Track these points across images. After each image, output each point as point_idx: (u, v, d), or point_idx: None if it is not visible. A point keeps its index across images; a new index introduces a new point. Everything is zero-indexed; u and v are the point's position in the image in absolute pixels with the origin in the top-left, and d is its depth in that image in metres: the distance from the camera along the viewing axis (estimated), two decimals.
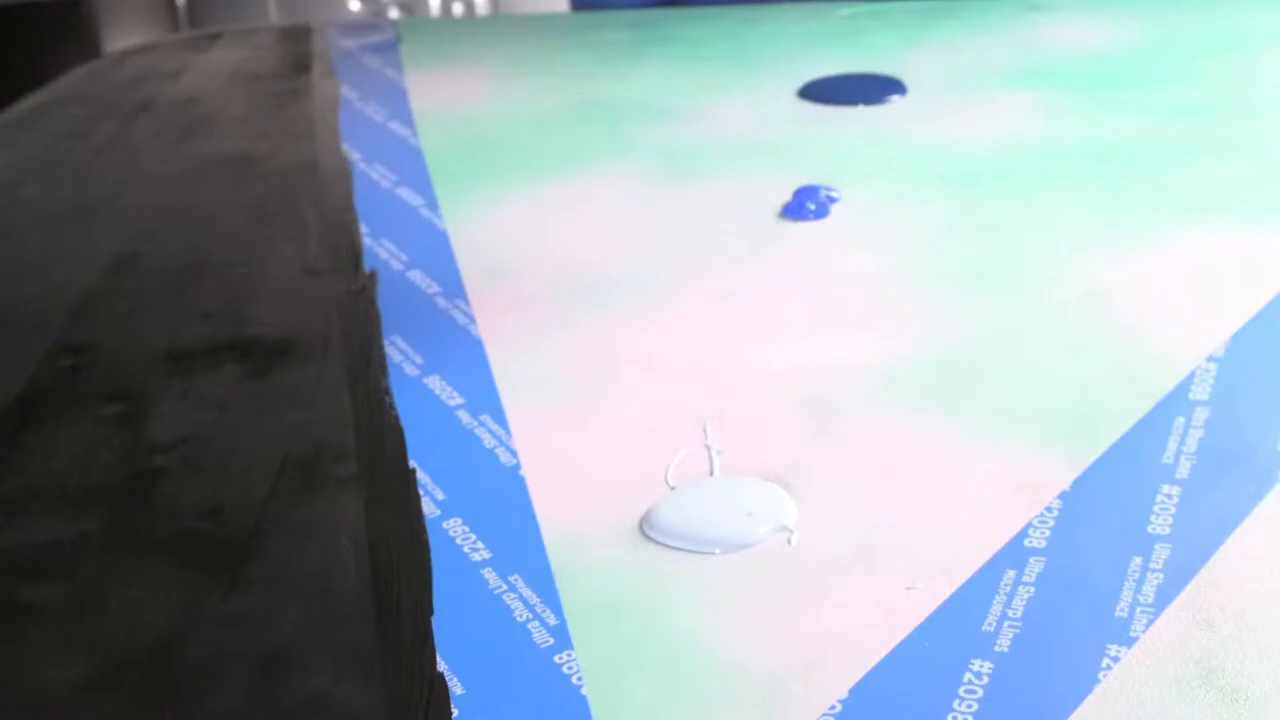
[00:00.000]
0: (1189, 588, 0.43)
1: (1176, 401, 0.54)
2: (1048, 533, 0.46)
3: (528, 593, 0.45)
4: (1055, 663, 0.40)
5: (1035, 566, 0.44)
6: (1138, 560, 0.44)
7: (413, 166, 0.87)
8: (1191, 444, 0.51)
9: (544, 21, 1.40)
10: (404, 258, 0.72)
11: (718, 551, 0.46)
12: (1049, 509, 0.47)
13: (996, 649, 0.40)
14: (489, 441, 0.54)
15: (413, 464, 0.52)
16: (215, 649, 0.42)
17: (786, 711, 0.39)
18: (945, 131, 0.88)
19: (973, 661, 0.40)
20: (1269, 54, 0.99)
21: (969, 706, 0.38)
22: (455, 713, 0.39)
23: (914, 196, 0.78)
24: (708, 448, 0.53)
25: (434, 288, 0.69)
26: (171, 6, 2.14)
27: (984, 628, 0.41)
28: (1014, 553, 0.45)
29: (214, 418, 0.57)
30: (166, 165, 0.92)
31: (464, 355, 0.62)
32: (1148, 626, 0.41)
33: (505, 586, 0.45)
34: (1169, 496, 0.48)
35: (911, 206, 0.77)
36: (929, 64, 1.01)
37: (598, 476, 0.52)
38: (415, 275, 0.70)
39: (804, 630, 0.42)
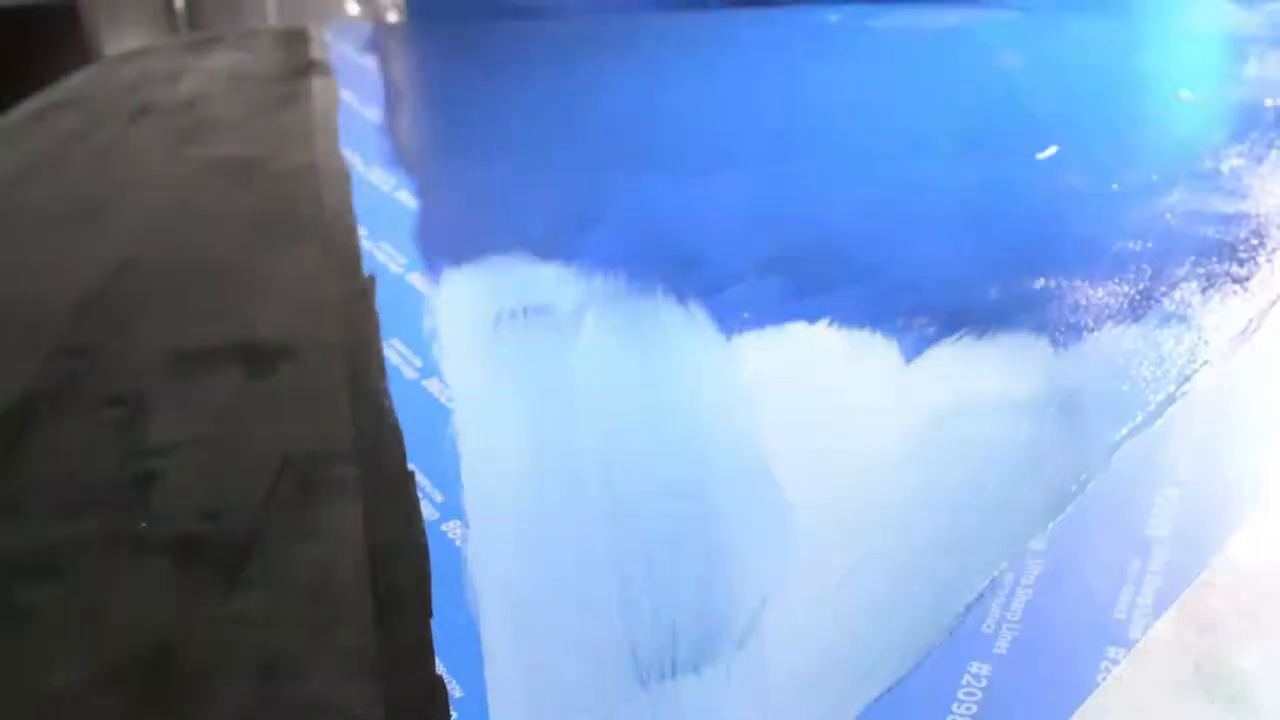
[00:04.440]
0: (1188, 591, 0.43)
1: (1177, 400, 0.54)
2: (1047, 534, 0.46)
3: None
4: (1054, 665, 0.40)
5: (1034, 568, 0.44)
6: (1136, 563, 0.44)
7: None
8: (1193, 443, 0.51)
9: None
10: (402, 260, 0.72)
11: None
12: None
13: (995, 651, 0.41)
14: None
15: (411, 466, 0.53)
16: (215, 651, 0.42)
17: (787, 711, 0.39)
18: None
19: (971, 664, 0.40)
20: None
21: (967, 709, 0.38)
22: (454, 715, 0.39)
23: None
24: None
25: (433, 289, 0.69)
26: (170, 10, 2.15)
27: (983, 630, 0.42)
28: (1014, 553, 0.45)
29: (213, 420, 0.57)
30: (166, 168, 0.92)
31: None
32: (1146, 629, 0.41)
33: None
34: (1168, 498, 0.48)
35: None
36: None
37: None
38: (414, 278, 0.70)
39: (803, 630, 0.42)
